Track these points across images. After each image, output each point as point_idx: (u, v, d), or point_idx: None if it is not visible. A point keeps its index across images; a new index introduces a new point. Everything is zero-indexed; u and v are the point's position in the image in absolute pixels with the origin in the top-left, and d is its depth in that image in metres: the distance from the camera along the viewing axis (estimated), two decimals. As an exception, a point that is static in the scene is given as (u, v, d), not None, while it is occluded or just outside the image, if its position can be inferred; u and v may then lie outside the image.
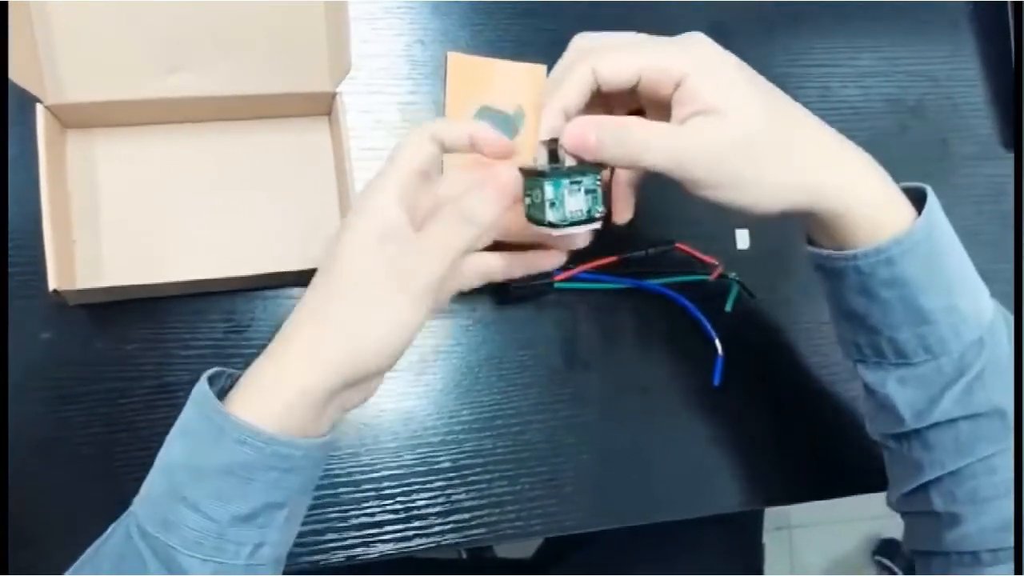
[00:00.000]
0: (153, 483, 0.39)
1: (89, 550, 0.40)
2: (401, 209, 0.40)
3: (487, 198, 0.39)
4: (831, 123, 0.63)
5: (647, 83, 0.42)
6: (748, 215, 0.42)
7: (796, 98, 0.63)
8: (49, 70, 0.48)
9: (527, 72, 0.58)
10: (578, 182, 0.40)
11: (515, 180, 0.40)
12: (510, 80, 0.57)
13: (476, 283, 0.44)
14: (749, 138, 0.41)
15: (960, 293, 0.42)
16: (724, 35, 0.62)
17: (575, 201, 0.40)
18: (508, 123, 0.57)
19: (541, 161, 0.41)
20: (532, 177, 0.40)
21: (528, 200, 0.41)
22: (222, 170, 0.53)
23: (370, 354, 0.39)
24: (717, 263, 0.58)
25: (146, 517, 0.38)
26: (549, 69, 0.58)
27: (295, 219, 0.53)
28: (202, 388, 0.39)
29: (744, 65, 0.43)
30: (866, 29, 0.65)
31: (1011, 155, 0.65)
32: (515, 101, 0.57)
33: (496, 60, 0.58)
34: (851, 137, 0.63)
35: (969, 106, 0.65)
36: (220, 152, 0.53)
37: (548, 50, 0.58)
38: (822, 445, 0.59)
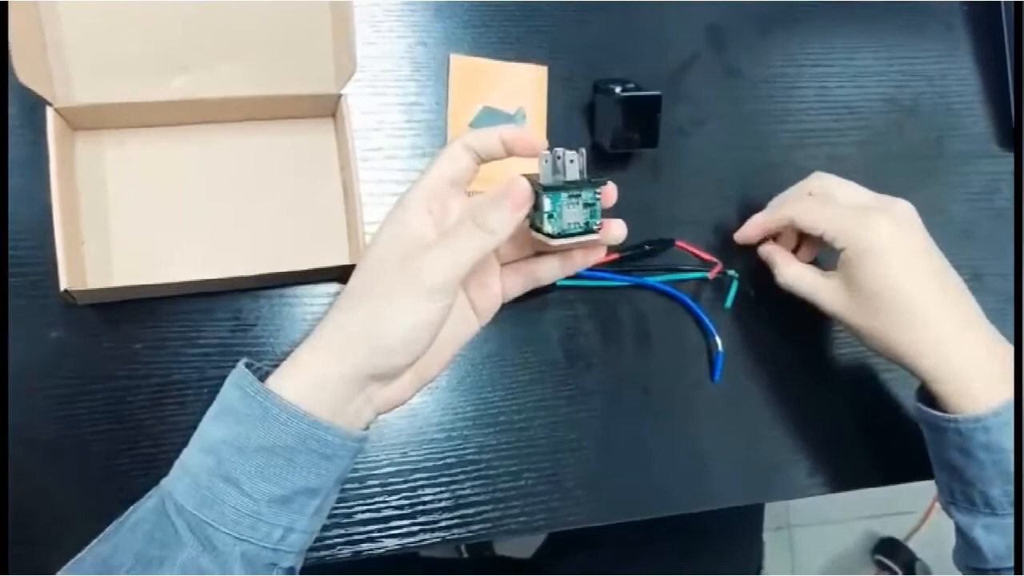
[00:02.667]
0: (192, 461, 0.41)
1: (110, 528, 0.41)
2: (425, 216, 0.42)
3: (501, 208, 0.41)
4: (827, 122, 0.64)
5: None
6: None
7: (792, 98, 0.64)
8: (58, 73, 0.48)
9: (529, 73, 0.59)
10: (576, 195, 0.41)
11: (529, 190, 0.41)
12: (512, 81, 0.58)
13: (522, 289, 0.48)
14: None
15: None
16: (721, 36, 0.64)
17: (573, 214, 0.42)
18: (509, 123, 0.58)
19: (544, 172, 0.42)
20: (535, 188, 0.41)
21: (533, 209, 0.42)
22: (228, 171, 0.53)
23: (384, 346, 0.41)
24: (717, 260, 0.59)
25: (183, 494, 0.40)
26: (550, 70, 0.59)
27: (300, 219, 0.54)
28: (244, 372, 0.41)
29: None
30: (862, 30, 0.65)
31: (1005, 153, 0.66)
32: (517, 102, 0.58)
33: (498, 62, 0.58)
34: (848, 136, 0.64)
35: (963, 105, 0.66)
36: (226, 153, 0.53)
37: (549, 51, 0.59)
38: (821, 441, 0.60)
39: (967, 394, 0.48)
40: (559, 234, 0.42)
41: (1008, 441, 0.47)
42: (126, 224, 0.52)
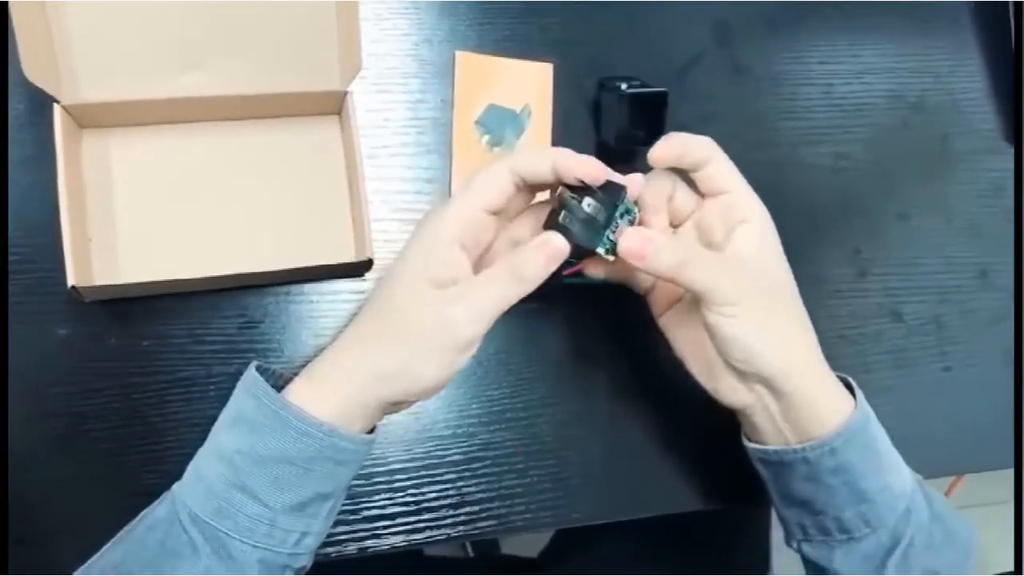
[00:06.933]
0: (206, 469, 0.41)
1: (120, 533, 0.42)
2: (458, 252, 0.41)
3: (538, 261, 0.41)
4: (834, 120, 0.64)
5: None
6: (729, 350, 0.44)
7: (798, 95, 0.64)
8: (65, 70, 0.49)
9: (534, 71, 0.59)
10: (611, 219, 0.42)
11: (565, 247, 0.41)
12: (518, 78, 0.58)
13: None
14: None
15: (890, 471, 0.47)
16: (727, 33, 0.63)
17: (620, 230, 0.42)
18: (516, 121, 0.58)
19: (581, 235, 0.41)
20: (578, 246, 0.42)
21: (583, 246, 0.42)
22: (234, 168, 0.53)
23: (410, 391, 0.41)
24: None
25: (197, 503, 0.40)
26: (556, 68, 0.59)
27: (306, 217, 0.54)
28: (257, 379, 0.41)
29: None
30: (868, 27, 0.65)
31: (1012, 150, 0.66)
32: (523, 99, 0.58)
33: (504, 59, 0.58)
34: (854, 133, 0.64)
35: (970, 102, 0.66)
36: (232, 151, 0.54)
37: (554, 49, 0.59)
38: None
39: (815, 419, 0.45)
40: (615, 248, 0.42)
41: (855, 457, 0.45)
42: (133, 221, 0.52)
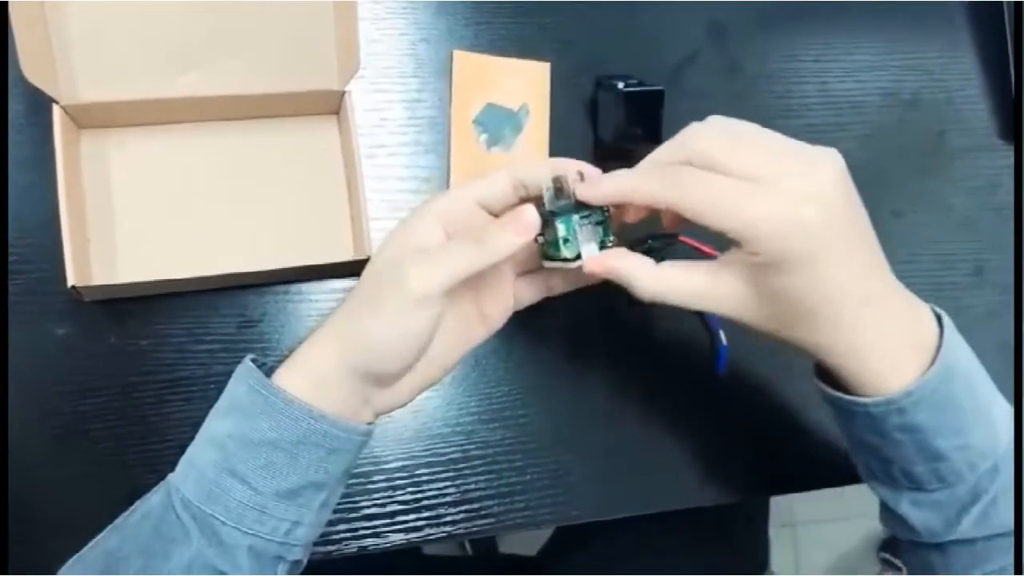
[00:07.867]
0: (198, 456, 0.41)
1: (116, 521, 0.42)
2: (436, 228, 0.42)
3: (506, 231, 0.40)
4: (829, 117, 0.64)
5: None
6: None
7: (793, 94, 0.64)
8: (64, 71, 0.49)
9: (532, 69, 0.59)
10: (587, 216, 0.41)
11: (537, 221, 0.41)
12: (515, 78, 0.58)
13: (535, 298, 0.47)
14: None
15: (973, 429, 0.42)
16: (722, 32, 0.64)
17: (587, 234, 0.42)
18: (514, 119, 0.58)
19: (549, 199, 0.41)
20: (545, 217, 0.41)
21: (542, 239, 0.42)
22: (233, 168, 0.54)
23: (371, 352, 0.41)
24: (720, 255, 0.59)
25: (190, 488, 0.40)
26: (553, 67, 0.59)
27: (305, 216, 0.54)
28: (251, 368, 0.41)
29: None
30: (863, 24, 0.66)
31: (1007, 147, 0.66)
32: (520, 98, 0.58)
33: (501, 58, 0.59)
34: (849, 130, 0.64)
35: (964, 99, 0.66)
36: (231, 150, 0.54)
37: (552, 48, 0.60)
38: (827, 432, 0.60)
39: (879, 373, 0.41)
40: (578, 256, 0.41)
41: (926, 418, 0.41)
42: (132, 221, 0.52)
